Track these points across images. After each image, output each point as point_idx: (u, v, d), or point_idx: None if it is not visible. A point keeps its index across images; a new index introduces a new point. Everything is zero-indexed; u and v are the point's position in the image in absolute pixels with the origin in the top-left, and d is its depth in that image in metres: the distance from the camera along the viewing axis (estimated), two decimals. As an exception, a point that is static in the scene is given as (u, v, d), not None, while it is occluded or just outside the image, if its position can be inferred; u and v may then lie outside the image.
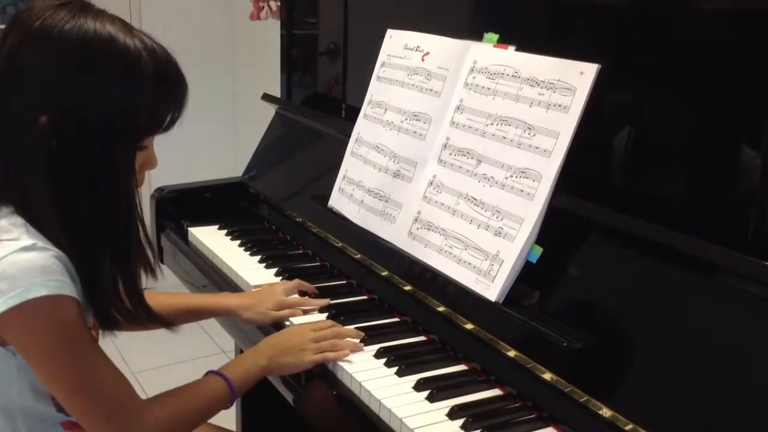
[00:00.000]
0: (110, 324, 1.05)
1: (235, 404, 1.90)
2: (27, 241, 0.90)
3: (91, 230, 0.96)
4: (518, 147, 1.16)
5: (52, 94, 0.91)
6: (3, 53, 0.92)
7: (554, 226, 1.10)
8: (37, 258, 0.90)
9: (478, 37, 1.29)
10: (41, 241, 0.91)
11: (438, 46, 1.38)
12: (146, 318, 1.09)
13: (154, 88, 0.95)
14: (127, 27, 0.95)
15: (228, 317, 1.35)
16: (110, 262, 0.99)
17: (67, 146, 0.92)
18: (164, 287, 1.33)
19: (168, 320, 1.18)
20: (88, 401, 0.94)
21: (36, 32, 0.91)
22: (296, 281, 1.37)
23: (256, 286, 1.40)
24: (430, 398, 1.04)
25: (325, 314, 1.29)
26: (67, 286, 0.91)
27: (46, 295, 0.88)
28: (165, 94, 0.97)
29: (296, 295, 1.34)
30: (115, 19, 0.95)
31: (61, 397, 0.96)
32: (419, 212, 1.30)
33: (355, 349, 1.15)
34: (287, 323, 1.29)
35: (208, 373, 1.11)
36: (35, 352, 0.92)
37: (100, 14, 0.94)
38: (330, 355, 1.14)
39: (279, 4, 2.11)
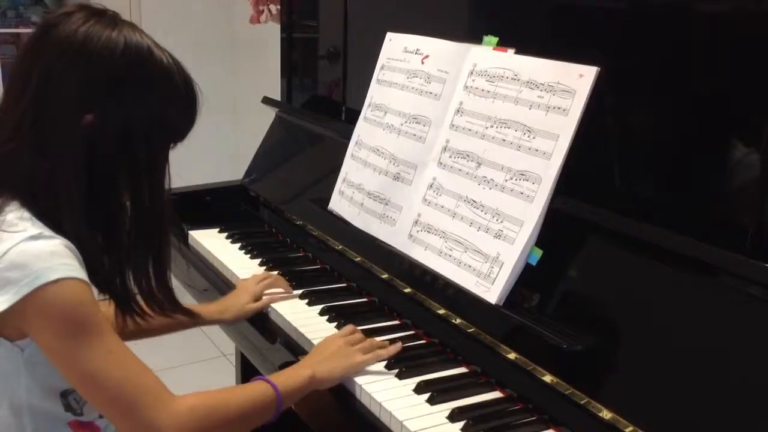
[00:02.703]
0: (132, 312, 1.06)
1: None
2: (33, 231, 0.92)
3: (121, 224, 1.01)
4: (518, 149, 1.16)
5: (96, 98, 0.96)
6: (43, 58, 0.95)
7: (554, 229, 1.11)
8: (46, 245, 0.91)
9: (477, 39, 1.29)
10: (47, 231, 0.93)
11: (437, 49, 1.38)
12: (172, 309, 1.11)
13: (184, 97, 1.03)
14: (155, 42, 1.01)
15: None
16: (139, 254, 1.03)
17: (107, 146, 0.97)
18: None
19: (191, 311, 1.21)
20: (107, 388, 0.92)
21: (81, 41, 0.95)
22: (264, 273, 1.44)
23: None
24: (431, 401, 1.04)
25: (319, 312, 1.30)
26: (78, 270, 0.92)
27: (59, 278, 0.89)
28: (191, 101, 1.04)
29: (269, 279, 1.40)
30: (144, 33, 1.01)
31: (79, 386, 0.95)
32: (419, 215, 1.30)
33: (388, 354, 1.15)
34: (269, 309, 1.34)
35: (253, 379, 1.07)
36: (51, 336, 0.91)
37: (135, 27, 1.00)
38: (382, 352, 1.14)
39: (279, 7, 2.11)
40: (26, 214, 0.94)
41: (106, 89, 0.96)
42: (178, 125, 1.04)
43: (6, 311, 0.89)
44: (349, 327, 1.21)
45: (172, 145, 1.05)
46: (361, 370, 1.11)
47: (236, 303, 1.35)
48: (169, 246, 1.09)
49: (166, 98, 1.00)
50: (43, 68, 0.95)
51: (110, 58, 0.95)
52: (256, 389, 1.03)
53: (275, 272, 1.45)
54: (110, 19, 0.98)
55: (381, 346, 1.16)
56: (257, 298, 1.36)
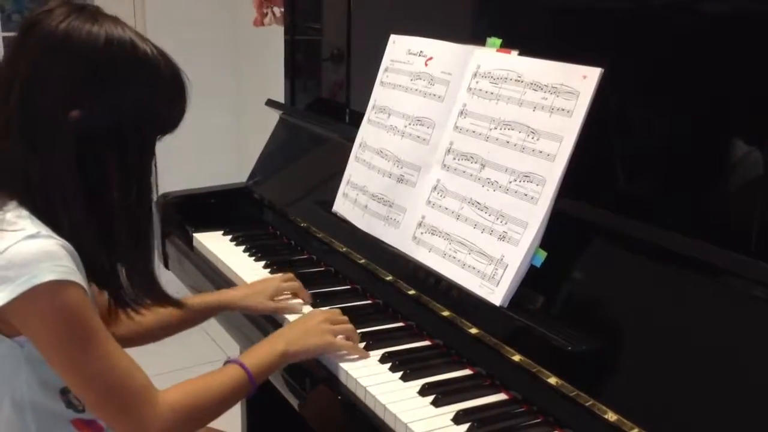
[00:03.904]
0: (127, 305, 1.07)
1: (239, 409, 1.92)
2: (32, 230, 0.92)
3: (114, 219, 1.01)
4: (522, 151, 1.16)
5: (80, 93, 0.96)
6: (27, 56, 0.96)
7: (558, 230, 1.10)
8: (43, 244, 0.91)
9: (481, 41, 1.29)
10: (45, 230, 0.93)
11: (441, 51, 1.38)
12: (160, 300, 1.11)
13: (171, 88, 1.02)
14: (139, 33, 1.01)
15: (230, 311, 1.36)
16: (129, 248, 1.03)
17: (96, 141, 0.97)
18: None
19: (180, 301, 1.21)
20: (100, 389, 0.94)
21: (62, 36, 0.95)
22: (290, 274, 1.42)
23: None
24: (435, 403, 1.04)
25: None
26: (74, 272, 0.92)
27: (54, 279, 0.89)
28: (178, 94, 1.04)
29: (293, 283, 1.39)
30: (127, 26, 1.00)
31: (72, 386, 0.96)
32: (423, 217, 1.30)
33: (361, 355, 1.17)
34: (284, 319, 1.32)
35: (226, 362, 1.10)
36: (45, 338, 0.92)
37: (117, 20, 1.00)
38: (357, 347, 1.16)
39: (282, 10, 2.12)
40: (24, 213, 0.95)
41: (89, 84, 0.96)
42: (167, 116, 1.04)
43: (1, 309, 0.89)
44: (339, 314, 1.23)
45: (159, 136, 1.05)
46: (333, 351, 1.14)
47: (258, 293, 1.34)
48: (153, 237, 1.09)
49: (151, 90, 1.00)
50: (26, 67, 0.95)
51: (92, 52, 0.95)
52: (230, 375, 1.06)
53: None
54: (91, 13, 0.98)
55: (355, 336, 1.18)
56: (278, 294, 1.35)
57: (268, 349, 1.11)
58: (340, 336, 1.17)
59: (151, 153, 1.03)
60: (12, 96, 0.96)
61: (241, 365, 1.07)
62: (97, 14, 0.98)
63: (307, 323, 1.16)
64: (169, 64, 1.02)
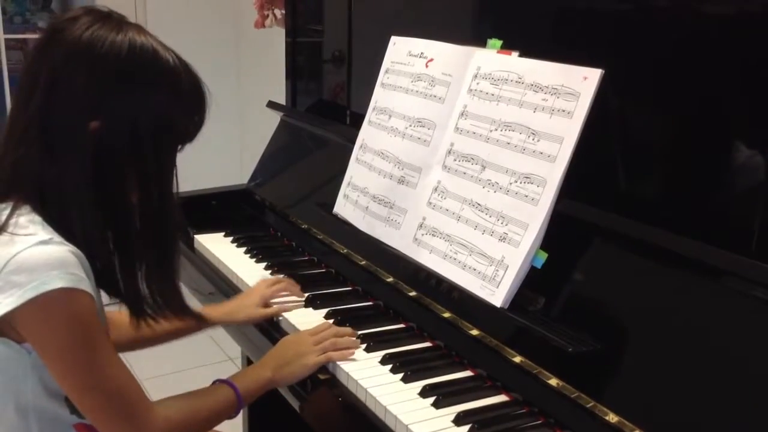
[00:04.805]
0: (145, 315, 1.07)
1: (242, 411, 1.92)
2: (43, 235, 0.92)
3: (133, 228, 1.01)
4: (522, 152, 1.16)
5: (101, 102, 0.96)
6: (48, 63, 0.96)
7: (559, 232, 1.10)
8: (55, 251, 0.91)
9: (481, 43, 1.29)
10: (57, 237, 0.93)
11: (442, 53, 1.38)
12: (180, 312, 1.11)
13: (192, 99, 1.03)
14: (162, 43, 1.01)
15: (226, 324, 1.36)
16: (151, 258, 1.03)
17: (115, 149, 0.97)
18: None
19: (200, 315, 1.22)
20: (100, 398, 0.95)
21: (85, 45, 0.95)
22: (275, 277, 1.43)
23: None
24: (436, 404, 1.04)
25: (325, 316, 1.30)
26: (84, 281, 0.92)
27: (63, 287, 0.89)
28: (199, 104, 1.04)
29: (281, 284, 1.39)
30: (150, 35, 1.00)
31: (72, 394, 0.97)
32: (424, 218, 1.30)
33: (352, 346, 1.18)
34: (280, 318, 1.32)
35: (215, 381, 1.12)
36: (49, 344, 0.93)
37: (141, 29, 1.00)
38: (334, 354, 1.16)
39: (284, 12, 2.12)
40: (37, 218, 0.95)
41: (111, 93, 0.96)
42: (186, 127, 1.04)
43: (7, 314, 0.89)
44: (322, 324, 1.25)
45: (180, 147, 1.05)
46: (316, 368, 1.15)
47: (246, 305, 1.34)
48: (178, 249, 1.10)
49: (172, 100, 1.00)
50: (48, 74, 0.95)
51: (114, 61, 0.95)
52: (221, 395, 1.10)
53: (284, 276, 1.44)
54: (116, 22, 0.98)
55: (341, 346, 1.18)
56: (267, 302, 1.35)
57: (257, 374, 1.15)
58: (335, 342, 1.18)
59: (171, 163, 1.03)
60: (32, 102, 0.95)
61: (233, 386, 1.10)
62: (121, 23, 0.98)
63: (291, 350, 1.17)
64: (190, 75, 1.02)
